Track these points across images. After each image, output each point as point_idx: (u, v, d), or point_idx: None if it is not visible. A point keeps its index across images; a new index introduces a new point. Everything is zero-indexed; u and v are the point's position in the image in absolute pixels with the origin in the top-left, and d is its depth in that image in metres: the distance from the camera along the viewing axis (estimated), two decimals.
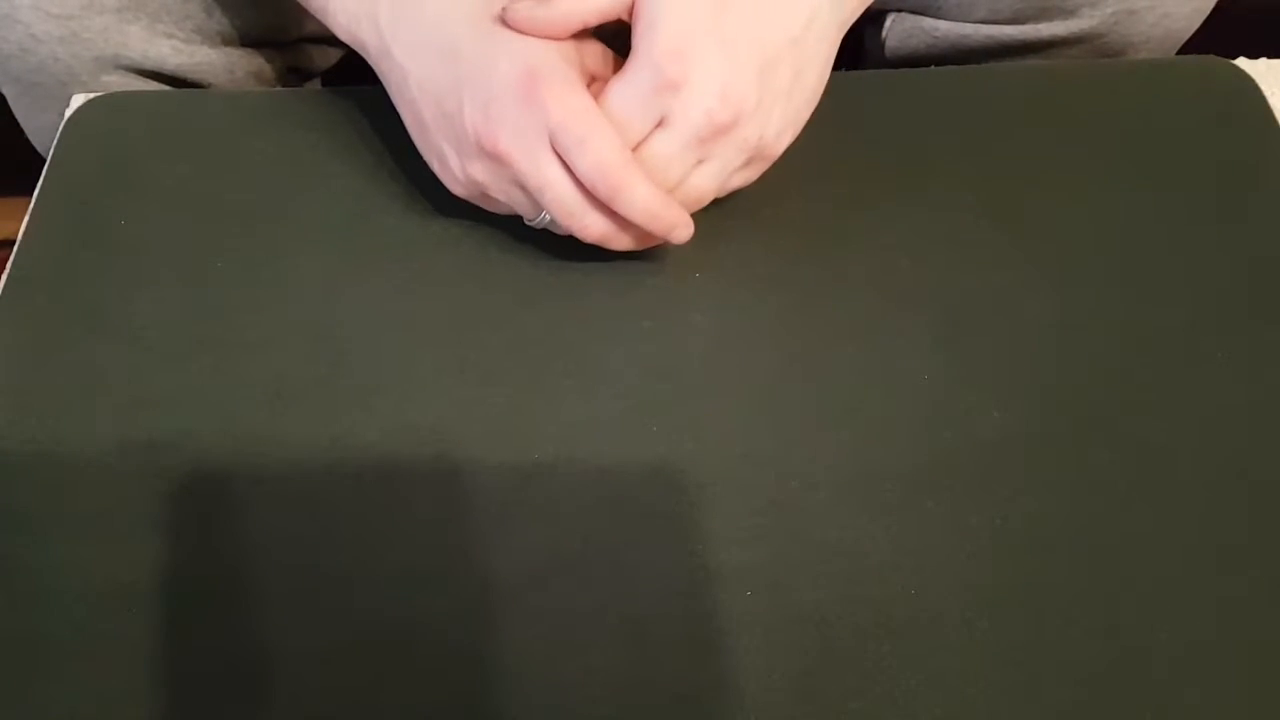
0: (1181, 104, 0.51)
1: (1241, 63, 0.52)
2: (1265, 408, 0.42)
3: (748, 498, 0.41)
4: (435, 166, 0.45)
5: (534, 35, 0.41)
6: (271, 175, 0.49)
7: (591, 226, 0.42)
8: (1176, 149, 0.50)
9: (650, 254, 0.46)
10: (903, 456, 0.42)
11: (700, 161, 0.42)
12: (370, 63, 0.45)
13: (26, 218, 0.49)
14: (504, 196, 0.43)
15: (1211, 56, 0.53)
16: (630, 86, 0.40)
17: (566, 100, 0.39)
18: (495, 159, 0.41)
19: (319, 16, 0.46)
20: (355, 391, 0.43)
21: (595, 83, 0.43)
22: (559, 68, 0.40)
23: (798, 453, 0.42)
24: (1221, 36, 0.58)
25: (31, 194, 0.50)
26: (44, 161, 0.51)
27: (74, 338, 0.45)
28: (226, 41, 0.58)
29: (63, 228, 0.48)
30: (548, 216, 0.43)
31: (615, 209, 0.41)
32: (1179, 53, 0.59)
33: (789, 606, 0.39)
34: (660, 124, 0.41)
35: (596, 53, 0.44)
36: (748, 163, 0.43)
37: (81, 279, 0.47)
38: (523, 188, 0.41)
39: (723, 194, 0.44)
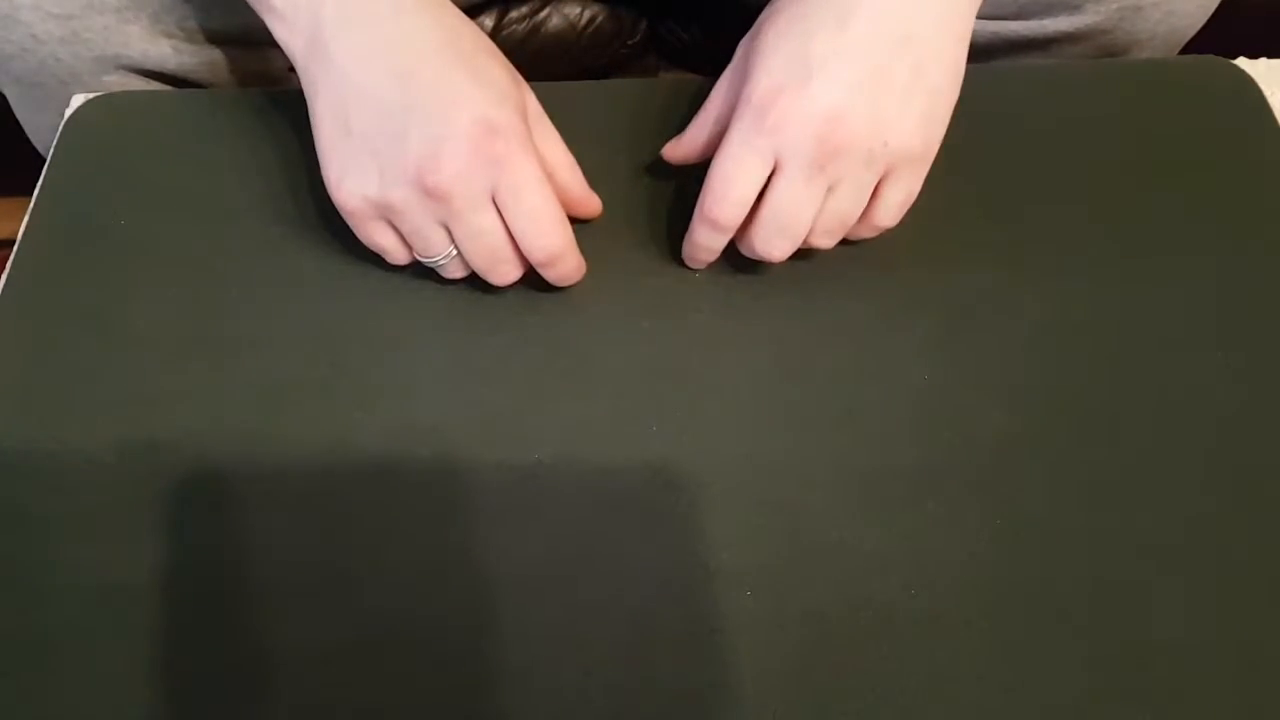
0: (1182, 104, 0.51)
1: (1242, 63, 0.52)
2: (1265, 407, 0.42)
3: (747, 497, 0.41)
4: (333, 175, 0.42)
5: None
6: (271, 175, 0.49)
7: (508, 276, 0.43)
8: (1177, 149, 0.49)
9: (650, 255, 0.46)
10: (902, 456, 0.42)
11: (831, 188, 0.41)
12: (295, 56, 0.43)
13: (26, 217, 0.49)
14: (411, 228, 0.42)
15: (1212, 56, 0.53)
16: (735, 140, 0.41)
17: (521, 162, 0.40)
18: (431, 194, 0.40)
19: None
20: (355, 391, 0.43)
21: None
22: (518, 129, 0.41)
23: (797, 453, 0.42)
24: (1222, 37, 0.57)
25: (31, 194, 0.50)
26: (44, 161, 0.51)
27: (74, 337, 0.45)
28: (227, 41, 0.58)
29: (62, 227, 0.48)
30: (445, 260, 0.43)
31: (547, 272, 0.43)
32: (1179, 53, 0.59)
33: (788, 606, 0.39)
34: (776, 168, 0.41)
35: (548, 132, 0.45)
36: (889, 172, 0.42)
37: (81, 279, 0.47)
38: (445, 227, 0.42)
39: (895, 218, 0.44)
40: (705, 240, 0.44)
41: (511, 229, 0.42)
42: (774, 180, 0.41)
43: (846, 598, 0.39)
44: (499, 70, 0.42)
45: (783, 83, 0.40)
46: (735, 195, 0.42)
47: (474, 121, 0.39)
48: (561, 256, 0.43)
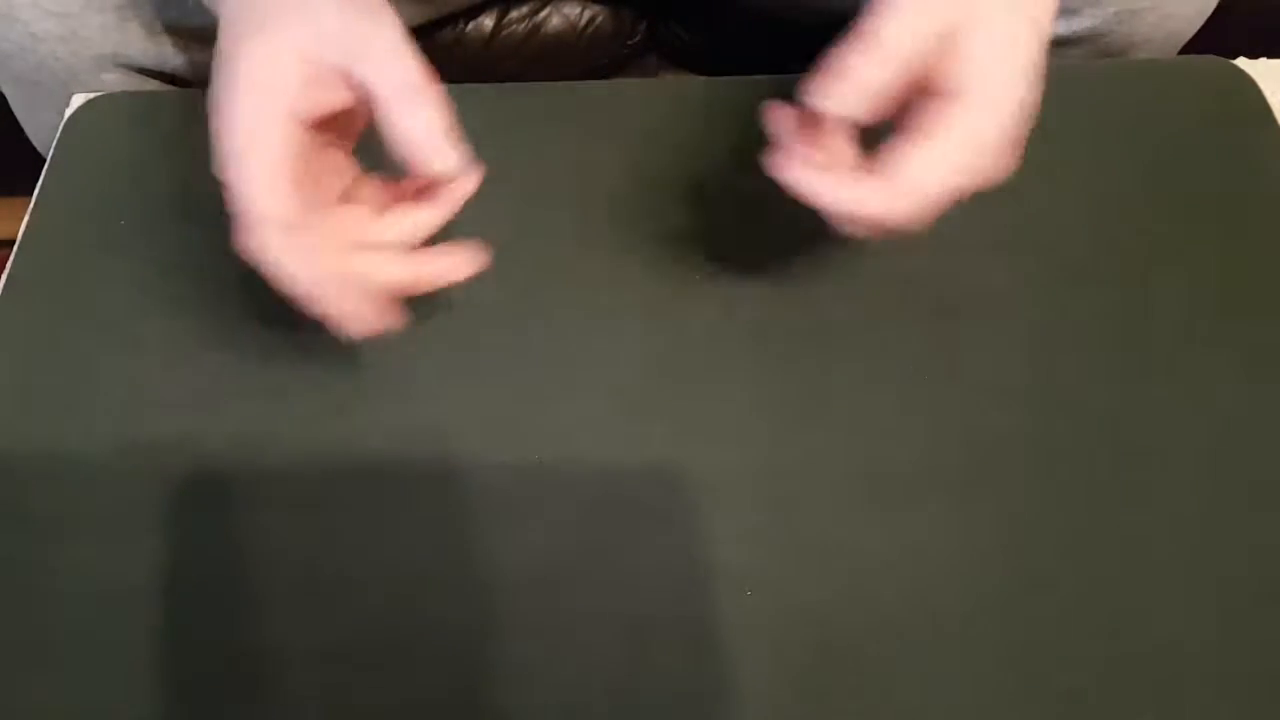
0: (1181, 104, 0.51)
1: (1241, 63, 0.52)
2: (1265, 407, 0.42)
3: (748, 497, 0.41)
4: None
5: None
6: None
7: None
8: (1176, 149, 0.50)
9: (650, 254, 0.46)
10: (903, 456, 0.42)
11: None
12: None
13: (26, 218, 0.49)
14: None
15: (1211, 56, 0.53)
16: (944, 164, 0.36)
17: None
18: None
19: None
20: (355, 392, 0.43)
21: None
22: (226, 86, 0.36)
23: (798, 452, 0.42)
24: (1221, 36, 0.58)
25: (31, 194, 0.50)
26: (44, 161, 0.51)
27: (74, 338, 0.45)
28: None
29: (62, 228, 0.48)
30: None
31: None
32: (1179, 53, 0.59)
33: (789, 606, 0.39)
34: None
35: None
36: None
37: (81, 279, 0.47)
38: None
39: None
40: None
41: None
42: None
43: (846, 597, 0.39)
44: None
45: (1010, 123, 0.37)
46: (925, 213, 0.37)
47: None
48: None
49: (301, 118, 0.36)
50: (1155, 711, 0.37)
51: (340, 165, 0.39)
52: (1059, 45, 0.57)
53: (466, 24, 0.69)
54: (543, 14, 0.71)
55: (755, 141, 0.49)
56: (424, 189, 0.39)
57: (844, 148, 0.40)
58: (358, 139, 0.40)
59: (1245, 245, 0.47)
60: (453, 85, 0.41)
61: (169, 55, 0.56)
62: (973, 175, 0.37)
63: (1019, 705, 0.37)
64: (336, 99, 0.36)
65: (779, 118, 0.40)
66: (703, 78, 0.50)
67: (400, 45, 0.36)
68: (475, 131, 0.38)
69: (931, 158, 0.37)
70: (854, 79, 0.36)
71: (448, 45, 0.68)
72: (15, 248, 0.48)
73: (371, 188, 0.40)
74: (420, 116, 0.36)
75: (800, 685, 0.37)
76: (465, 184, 0.39)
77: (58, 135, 0.52)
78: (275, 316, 0.45)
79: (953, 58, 0.37)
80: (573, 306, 0.45)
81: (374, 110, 0.36)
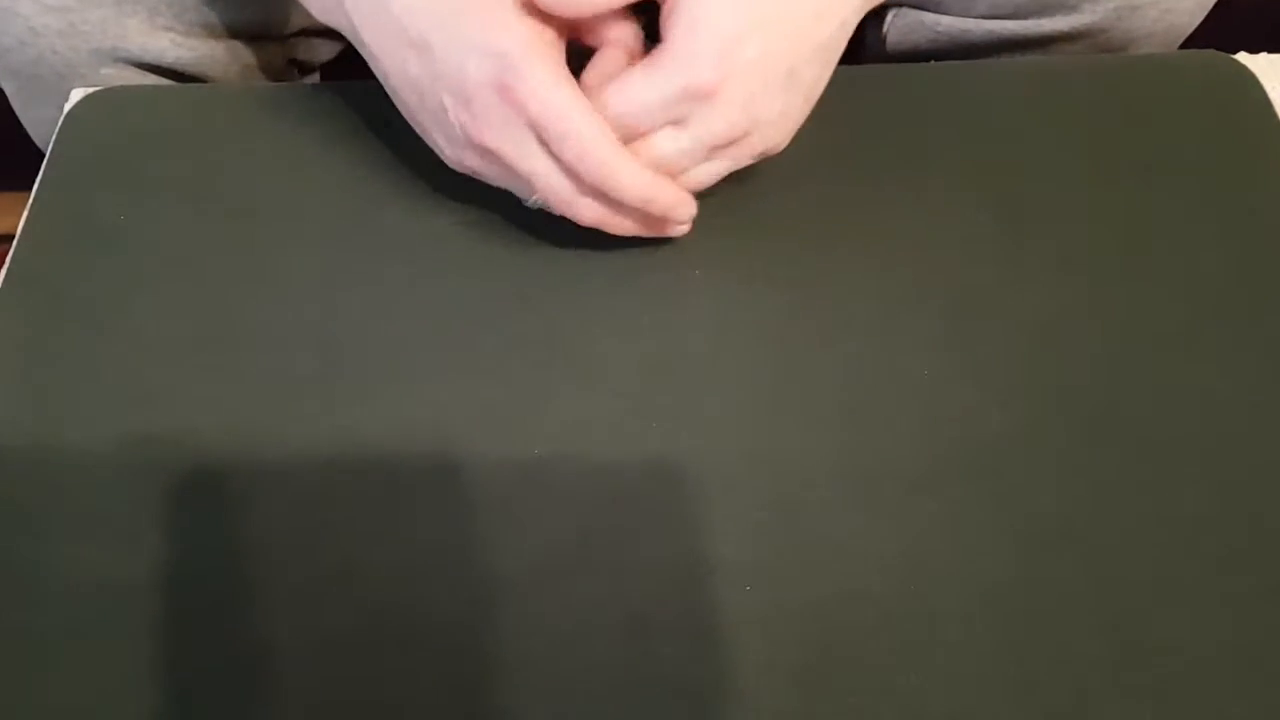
0: (1182, 99, 0.51)
1: (1242, 57, 0.52)
2: (1265, 405, 0.42)
3: (747, 494, 0.41)
4: (435, 148, 0.44)
5: (564, 15, 0.40)
6: (271, 171, 0.49)
7: (585, 212, 0.41)
8: (1177, 144, 0.49)
9: (650, 251, 0.46)
10: (903, 453, 0.42)
11: (706, 160, 0.42)
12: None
13: (25, 213, 0.49)
14: (500, 182, 0.43)
15: (1212, 51, 0.53)
16: (656, 87, 0.39)
17: (542, 95, 0.38)
18: (484, 153, 0.40)
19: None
20: (354, 388, 0.43)
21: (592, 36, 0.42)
22: (531, 57, 0.38)
23: (797, 449, 0.42)
24: (1222, 31, 0.57)
25: (30, 189, 0.50)
26: (43, 156, 0.51)
27: (73, 334, 0.45)
28: (225, 34, 0.57)
29: (61, 223, 0.48)
30: (540, 203, 0.42)
31: (608, 196, 0.40)
32: (1180, 48, 0.59)
33: (788, 602, 0.39)
34: (674, 122, 0.40)
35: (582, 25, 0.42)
36: (747, 159, 0.43)
37: (80, 275, 0.47)
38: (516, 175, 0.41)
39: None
40: None
41: (561, 162, 0.39)
42: (663, 130, 0.40)
43: (846, 593, 0.39)
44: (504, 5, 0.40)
45: (726, 54, 0.39)
46: None
47: (485, 68, 0.38)
48: (615, 174, 0.39)
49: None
50: (1155, 710, 0.37)
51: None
52: (1060, 41, 0.57)
53: None
54: None
55: None
56: None
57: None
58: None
59: (1246, 241, 0.47)
60: None
61: (167, 49, 0.56)
62: (688, 92, 0.39)
63: (1018, 702, 0.37)
64: None
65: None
66: None
67: None
68: None
69: (629, 93, 0.39)
70: None
71: None
72: (14, 244, 0.48)
73: None
74: None
75: (799, 680, 0.37)
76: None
77: (56, 130, 0.51)
78: (275, 311, 0.46)
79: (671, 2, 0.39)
80: (572, 302, 0.45)
81: None
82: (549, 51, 0.39)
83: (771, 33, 0.39)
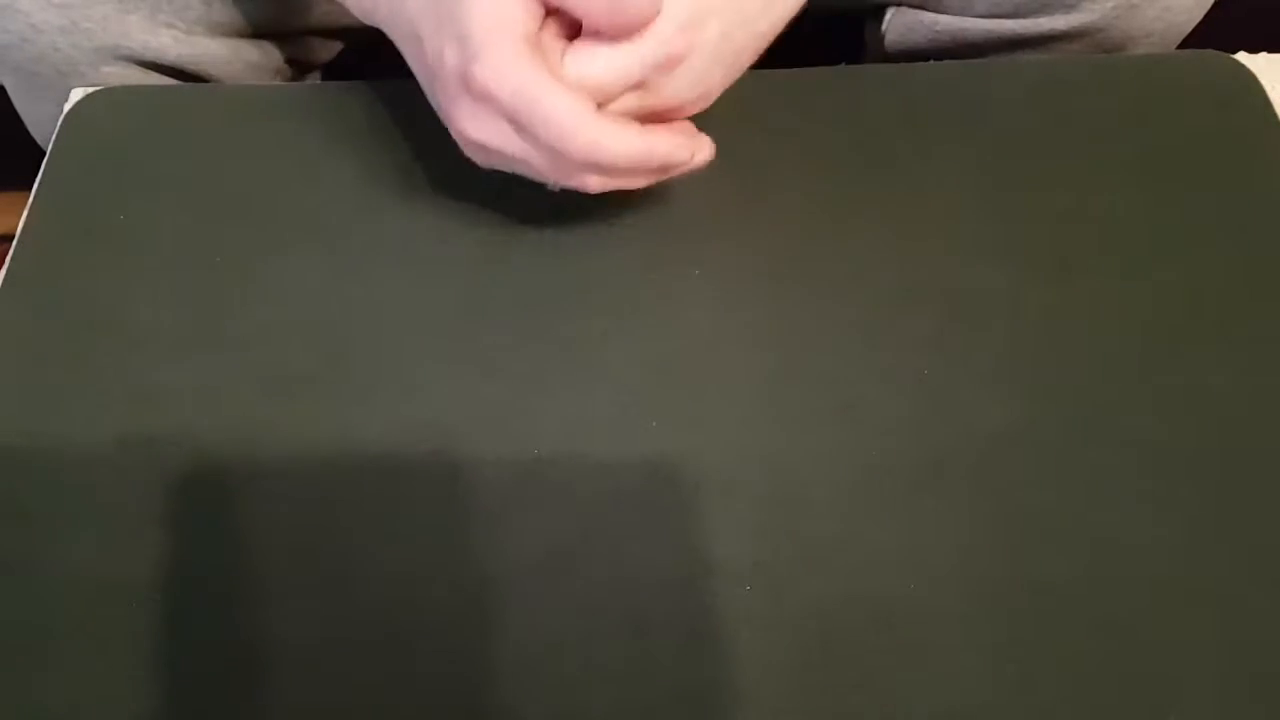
0: (1181, 98, 0.51)
1: (1241, 57, 0.52)
2: (1265, 404, 0.42)
3: (747, 494, 0.41)
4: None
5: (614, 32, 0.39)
6: (272, 170, 0.49)
7: (590, 183, 0.41)
8: (1176, 143, 0.49)
9: (650, 251, 0.46)
10: (902, 452, 0.42)
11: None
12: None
13: (25, 212, 0.49)
14: (512, 170, 0.42)
15: (1211, 51, 0.53)
16: (629, 55, 0.39)
17: (506, 77, 0.37)
18: (476, 148, 0.40)
19: None
20: (355, 387, 0.43)
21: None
22: (492, 36, 0.37)
23: (797, 449, 0.42)
24: (1221, 31, 0.57)
25: (30, 188, 0.50)
26: (43, 155, 0.51)
27: (73, 332, 0.45)
28: (227, 32, 0.57)
29: (62, 222, 0.48)
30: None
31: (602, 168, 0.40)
32: (1179, 47, 0.59)
33: (788, 601, 0.39)
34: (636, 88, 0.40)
35: None
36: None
37: (81, 274, 0.47)
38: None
39: None
40: None
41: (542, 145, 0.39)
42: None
43: (846, 592, 0.39)
44: None
45: (696, 22, 0.39)
46: None
47: (455, 63, 0.38)
48: (601, 147, 0.38)
49: None
50: (1154, 709, 0.37)
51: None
52: (1059, 40, 0.57)
53: None
54: None
55: (756, 137, 0.49)
56: None
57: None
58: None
59: (1245, 241, 0.47)
60: None
61: (169, 47, 0.56)
62: (659, 64, 0.39)
63: (1017, 700, 0.37)
64: None
65: None
66: None
67: None
68: None
69: (604, 60, 0.39)
70: None
71: None
72: (15, 242, 0.48)
73: None
74: None
75: (799, 679, 0.37)
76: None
77: (57, 129, 0.51)
78: (276, 311, 0.46)
79: None
80: (572, 302, 0.45)
81: None
82: (514, 28, 0.38)
83: (727, 17, 0.40)
